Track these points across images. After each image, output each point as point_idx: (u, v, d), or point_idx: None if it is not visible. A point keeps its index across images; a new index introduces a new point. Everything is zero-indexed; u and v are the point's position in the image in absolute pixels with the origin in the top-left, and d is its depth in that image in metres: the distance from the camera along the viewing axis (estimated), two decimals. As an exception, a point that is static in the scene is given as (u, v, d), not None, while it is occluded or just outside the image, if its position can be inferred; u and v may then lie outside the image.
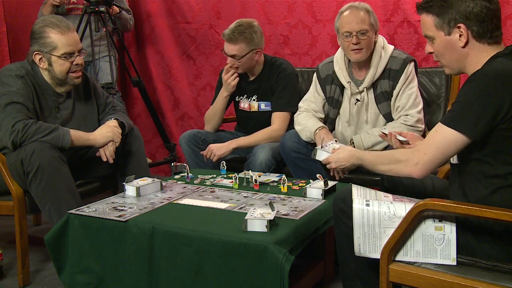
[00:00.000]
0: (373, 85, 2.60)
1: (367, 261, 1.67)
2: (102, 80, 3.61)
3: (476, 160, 1.57)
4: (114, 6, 3.64)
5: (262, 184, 2.37)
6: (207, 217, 1.98)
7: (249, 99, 3.07)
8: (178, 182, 2.49)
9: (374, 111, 2.61)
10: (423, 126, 2.54)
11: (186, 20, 4.03)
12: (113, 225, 1.96)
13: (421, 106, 2.55)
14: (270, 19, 3.69)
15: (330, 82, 2.71)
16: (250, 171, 2.45)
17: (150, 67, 4.24)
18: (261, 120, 3.00)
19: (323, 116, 2.76)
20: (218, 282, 1.78)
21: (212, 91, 3.31)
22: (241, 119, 3.19)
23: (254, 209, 1.91)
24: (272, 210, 1.86)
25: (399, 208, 1.60)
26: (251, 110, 3.07)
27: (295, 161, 2.68)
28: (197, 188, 2.35)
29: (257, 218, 1.80)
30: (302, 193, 2.21)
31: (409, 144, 2.00)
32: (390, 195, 1.70)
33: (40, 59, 2.42)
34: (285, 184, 2.27)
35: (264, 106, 3.03)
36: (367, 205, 1.62)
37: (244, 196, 2.21)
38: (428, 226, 1.57)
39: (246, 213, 1.86)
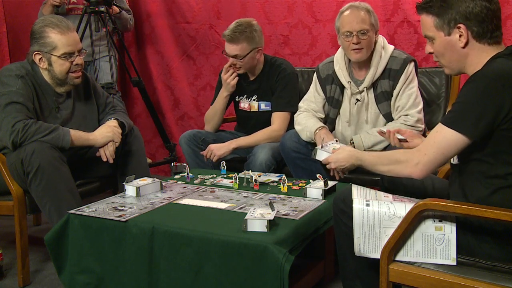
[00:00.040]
0: (373, 85, 2.60)
1: (367, 261, 1.67)
2: (102, 80, 3.61)
3: (477, 160, 1.57)
4: (114, 6, 3.64)
5: (262, 184, 2.37)
6: (207, 217, 1.98)
7: (249, 99, 3.07)
8: (178, 182, 2.49)
9: (374, 111, 2.61)
10: (423, 126, 2.54)
11: (186, 20, 4.03)
12: (113, 225, 1.96)
13: (421, 106, 2.55)
14: (270, 19, 3.69)
15: (330, 82, 2.71)
16: (250, 171, 2.45)
17: (150, 67, 4.25)
18: (261, 120, 3.00)
19: (323, 116, 2.76)
20: (218, 282, 1.78)
21: (212, 91, 3.31)
22: (241, 119, 3.19)
23: (254, 209, 1.91)
24: (272, 210, 1.86)
25: (399, 208, 1.60)
26: (251, 110, 3.07)
27: (295, 161, 2.69)
28: (197, 188, 2.35)
29: (257, 218, 1.80)
30: (302, 193, 2.21)
31: (407, 142, 2.00)
32: (390, 195, 1.70)
33: (40, 59, 2.42)
34: (285, 184, 2.27)
35: (264, 106, 3.03)
36: (367, 205, 1.62)
37: (244, 196, 2.21)
38: (428, 226, 1.57)
39: (246, 213, 1.86)
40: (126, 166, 2.61)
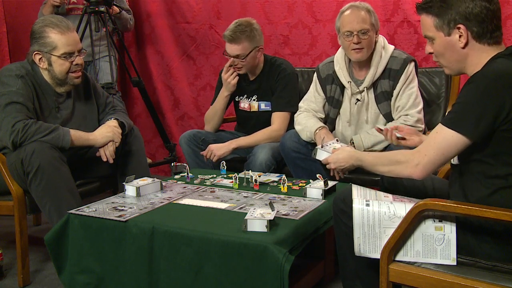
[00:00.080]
0: (373, 85, 2.60)
1: (367, 261, 1.67)
2: (102, 80, 3.61)
3: (477, 161, 1.57)
4: (114, 6, 3.64)
5: (262, 184, 2.37)
6: (207, 217, 1.98)
7: (249, 99, 3.07)
8: (178, 182, 2.49)
9: (375, 111, 2.61)
10: (423, 126, 2.54)
11: (186, 20, 4.03)
12: (113, 225, 1.96)
13: (421, 106, 2.55)
14: (270, 19, 3.69)
15: (330, 82, 2.71)
16: (250, 171, 2.45)
17: (150, 67, 4.25)
18: (261, 120, 3.00)
19: (323, 116, 2.77)
20: (218, 282, 1.78)
21: (212, 91, 3.31)
22: (241, 119, 3.19)
23: (254, 209, 1.91)
24: (272, 210, 1.86)
25: (399, 208, 1.60)
26: (251, 110, 3.07)
27: (295, 161, 2.69)
28: (197, 188, 2.35)
29: (257, 218, 1.80)
30: (302, 193, 2.21)
31: (405, 140, 2.00)
32: (390, 195, 1.70)
33: (40, 59, 2.42)
34: (285, 184, 2.27)
35: (264, 106, 3.03)
36: (367, 205, 1.62)
37: (244, 196, 2.21)
38: (428, 226, 1.57)
39: (246, 213, 1.86)
40: (126, 166, 2.61)
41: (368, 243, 1.62)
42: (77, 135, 2.41)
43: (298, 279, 2.06)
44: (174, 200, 2.17)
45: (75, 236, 2.04)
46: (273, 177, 2.47)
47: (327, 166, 2.14)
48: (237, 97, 3.12)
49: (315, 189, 2.18)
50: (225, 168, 2.60)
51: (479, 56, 1.58)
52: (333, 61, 2.71)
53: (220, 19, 3.89)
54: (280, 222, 1.85)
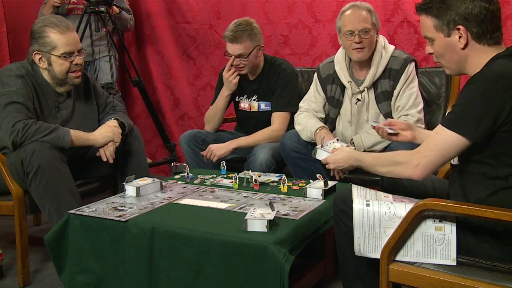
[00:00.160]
0: (374, 85, 2.60)
1: (367, 261, 1.67)
2: (102, 80, 3.61)
3: (477, 162, 1.57)
4: (114, 7, 3.64)
5: (262, 184, 2.37)
6: (207, 217, 1.98)
7: (249, 99, 3.08)
8: (178, 182, 2.49)
9: (375, 111, 2.61)
10: (423, 126, 2.54)
11: (186, 20, 4.03)
12: (113, 225, 1.96)
13: (421, 106, 2.55)
14: (270, 19, 3.69)
15: (331, 81, 2.71)
16: (250, 171, 2.45)
17: (150, 67, 4.25)
18: (261, 120, 3.00)
19: (323, 116, 2.77)
20: (218, 282, 1.78)
21: (212, 91, 3.31)
22: (241, 119, 3.19)
23: (254, 209, 1.91)
24: (272, 210, 1.86)
25: (399, 208, 1.60)
26: (251, 110, 3.07)
27: (295, 161, 2.69)
28: (197, 188, 2.35)
29: (257, 218, 1.80)
30: (302, 193, 2.21)
31: (397, 135, 2.00)
32: (390, 195, 1.70)
33: (39, 58, 2.42)
34: (285, 184, 2.27)
35: (264, 106, 3.03)
36: (367, 205, 1.62)
37: (244, 196, 2.21)
38: (428, 226, 1.57)
39: (246, 213, 1.86)
40: (126, 166, 2.61)
41: (368, 243, 1.62)
42: (77, 135, 2.41)
43: (298, 279, 2.06)
44: (174, 200, 2.17)
45: (75, 236, 2.04)
46: (273, 177, 2.47)
47: (326, 166, 2.14)
48: (237, 97, 3.12)
49: (315, 189, 2.18)
50: (225, 168, 2.60)
51: (479, 57, 1.58)
52: (333, 61, 2.71)
53: (220, 19, 3.89)
54: (280, 222, 1.85)
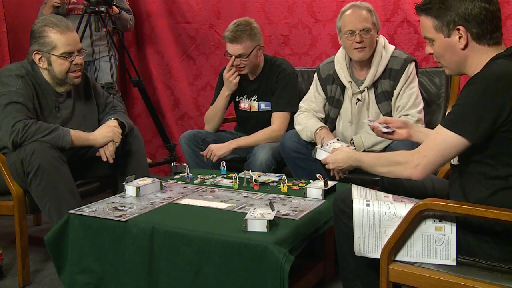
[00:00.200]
0: (374, 85, 2.60)
1: (367, 261, 1.67)
2: (102, 80, 3.61)
3: (477, 162, 1.56)
4: (114, 7, 3.64)
5: (262, 184, 2.37)
6: (207, 217, 1.98)
7: (249, 99, 3.08)
8: (178, 182, 2.49)
9: (375, 111, 2.61)
10: (423, 126, 2.53)
11: (186, 20, 4.03)
12: (113, 225, 1.96)
13: (421, 106, 2.55)
14: (270, 19, 3.69)
15: (331, 81, 2.71)
16: (250, 171, 2.45)
17: (150, 67, 4.25)
18: (261, 120, 3.00)
19: (323, 116, 2.77)
20: (218, 282, 1.78)
21: (212, 91, 3.31)
22: (241, 119, 3.19)
23: (254, 209, 1.91)
24: (272, 210, 1.86)
25: (399, 208, 1.60)
26: (251, 110, 3.07)
27: (295, 161, 2.69)
28: (197, 188, 2.35)
29: (257, 218, 1.80)
30: (302, 193, 2.21)
31: (393, 133, 2.00)
32: (390, 195, 1.70)
33: (39, 58, 2.43)
34: (285, 184, 2.27)
35: (264, 106, 3.04)
36: (367, 205, 1.62)
37: (244, 196, 2.21)
38: (428, 226, 1.57)
39: (246, 213, 1.86)
40: (126, 166, 2.61)
41: (368, 243, 1.62)
42: (77, 135, 2.41)
43: (298, 279, 2.06)
44: (174, 200, 2.17)
45: (75, 236, 2.04)
46: (273, 177, 2.47)
47: (326, 166, 2.14)
48: (237, 97, 3.12)
49: (315, 189, 2.18)
50: (225, 168, 2.60)
51: (479, 57, 1.58)
52: (333, 61, 2.71)
53: (220, 19, 3.89)
54: (280, 222, 1.85)
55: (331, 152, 2.17)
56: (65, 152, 2.36)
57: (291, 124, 2.89)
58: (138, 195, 2.22)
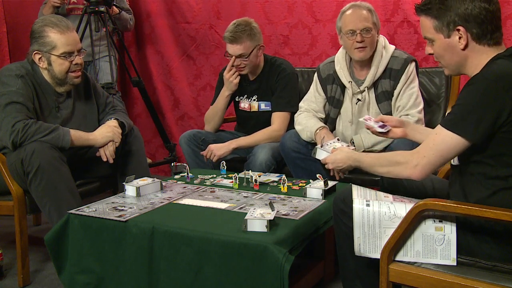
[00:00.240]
0: (374, 85, 2.60)
1: (367, 261, 1.67)
2: (102, 80, 3.61)
3: (477, 162, 1.56)
4: (113, 7, 3.64)
5: (262, 184, 2.37)
6: (207, 217, 1.98)
7: (249, 99, 3.08)
8: (178, 182, 2.49)
9: (375, 111, 2.61)
10: (423, 126, 2.54)
11: (186, 20, 4.03)
12: (113, 225, 1.96)
13: (421, 106, 2.55)
14: (270, 19, 3.69)
15: (331, 81, 2.72)
16: (250, 171, 2.45)
17: (150, 67, 4.25)
18: (261, 120, 3.00)
19: (323, 116, 2.77)
20: (218, 282, 1.78)
21: (212, 91, 3.31)
22: (241, 119, 3.19)
23: (254, 209, 1.91)
24: (272, 210, 1.86)
25: (399, 208, 1.60)
26: (251, 110, 3.07)
27: (295, 161, 2.69)
28: (197, 188, 2.35)
29: (257, 218, 1.80)
30: (302, 193, 2.21)
31: (388, 133, 2.00)
32: (390, 195, 1.70)
33: (39, 58, 2.43)
34: (285, 184, 2.27)
35: (264, 106, 3.04)
36: (368, 205, 1.62)
37: (244, 196, 2.21)
38: (428, 226, 1.57)
39: (246, 213, 1.86)
40: (126, 166, 2.61)
41: (368, 243, 1.62)
42: (77, 135, 2.41)
43: (298, 279, 2.06)
44: (174, 200, 2.17)
45: (75, 236, 2.04)
46: (273, 177, 2.47)
47: (326, 166, 2.14)
48: (237, 97, 3.12)
49: (315, 189, 2.18)
50: (225, 168, 2.60)
51: (479, 57, 1.58)
52: (333, 61, 2.71)
53: (220, 19, 3.89)
54: (280, 222, 1.85)
55: (331, 152, 2.17)
56: (65, 152, 2.36)
57: (291, 124, 2.89)
58: (138, 195, 2.22)
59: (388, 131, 2.01)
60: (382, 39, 2.61)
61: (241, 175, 2.42)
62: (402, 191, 1.88)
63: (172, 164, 2.95)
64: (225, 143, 2.87)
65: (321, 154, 2.25)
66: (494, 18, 1.56)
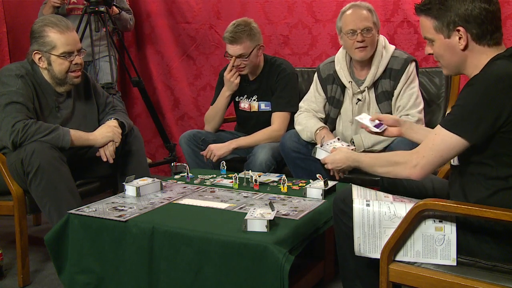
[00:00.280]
0: (374, 85, 2.60)
1: (367, 261, 1.67)
2: (102, 80, 3.61)
3: (477, 162, 1.56)
4: (113, 7, 3.64)
5: (262, 184, 2.37)
6: (207, 217, 1.98)
7: (249, 99, 3.08)
8: (178, 182, 2.49)
9: (375, 111, 2.61)
10: (423, 126, 2.53)
11: (186, 20, 4.03)
12: (113, 225, 1.96)
13: (421, 106, 2.55)
14: (270, 19, 3.69)
15: (331, 81, 2.72)
16: (250, 171, 2.45)
17: (150, 67, 4.25)
18: (261, 120, 3.00)
19: (323, 116, 2.77)
20: (218, 282, 1.78)
21: (212, 91, 3.31)
22: (241, 119, 3.19)
23: (254, 209, 1.91)
24: (272, 210, 1.86)
25: (399, 208, 1.60)
26: (251, 110, 3.07)
27: (295, 161, 2.69)
28: (197, 188, 2.36)
29: (257, 218, 1.80)
30: (302, 193, 2.21)
31: (382, 133, 2.00)
32: (390, 195, 1.70)
33: (39, 58, 2.43)
34: (285, 184, 2.27)
35: (264, 106, 3.04)
36: (368, 205, 1.62)
37: (244, 196, 2.21)
38: (428, 226, 1.57)
39: (246, 213, 1.86)
40: (126, 166, 2.61)
41: (368, 243, 1.62)
42: (77, 135, 2.41)
43: (298, 279, 2.06)
44: (174, 200, 2.17)
45: (75, 236, 2.04)
46: (273, 177, 2.47)
47: (325, 166, 2.14)
48: (237, 97, 3.12)
49: (315, 189, 2.18)
50: (225, 168, 2.60)
51: (479, 58, 1.58)
52: (333, 61, 2.71)
53: (220, 19, 3.89)
54: (280, 222, 1.85)
55: (331, 151, 2.17)
56: (65, 152, 2.36)
57: (291, 124, 2.89)
58: (138, 195, 2.22)
59: (383, 130, 2.01)
60: (382, 39, 2.61)
61: (241, 175, 2.42)
62: (402, 191, 1.88)
63: (172, 164, 2.96)
64: (225, 143, 2.87)
65: (321, 154, 2.25)
66: (494, 18, 1.56)
